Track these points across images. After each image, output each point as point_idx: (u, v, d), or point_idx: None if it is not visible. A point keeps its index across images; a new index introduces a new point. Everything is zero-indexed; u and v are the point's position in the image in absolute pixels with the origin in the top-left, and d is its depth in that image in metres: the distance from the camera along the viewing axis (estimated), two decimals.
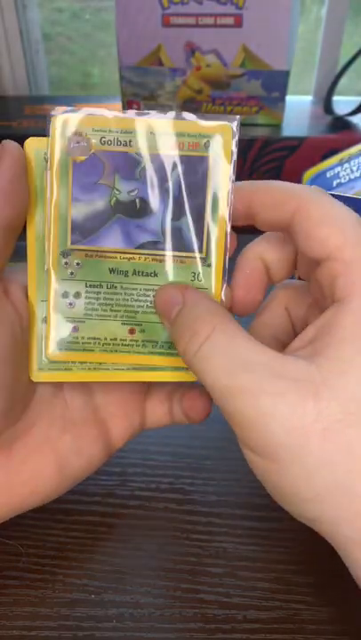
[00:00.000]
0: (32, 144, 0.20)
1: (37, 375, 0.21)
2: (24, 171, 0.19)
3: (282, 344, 0.22)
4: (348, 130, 0.68)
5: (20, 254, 0.21)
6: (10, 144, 0.19)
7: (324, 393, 0.16)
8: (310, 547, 0.24)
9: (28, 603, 0.21)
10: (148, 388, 0.24)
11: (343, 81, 0.72)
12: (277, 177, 0.69)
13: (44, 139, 0.19)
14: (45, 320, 0.20)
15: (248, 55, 0.65)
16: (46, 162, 0.19)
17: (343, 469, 0.16)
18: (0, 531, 0.23)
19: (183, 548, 0.23)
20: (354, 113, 0.70)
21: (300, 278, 0.22)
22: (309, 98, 0.82)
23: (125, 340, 0.21)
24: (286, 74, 0.66)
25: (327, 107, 0.72)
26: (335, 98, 0.75)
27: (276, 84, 0.67)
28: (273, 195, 0.19)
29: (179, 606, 0.21)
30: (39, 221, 0.20)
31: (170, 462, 0.27)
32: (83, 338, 0.21)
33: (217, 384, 0.17)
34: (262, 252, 0.21)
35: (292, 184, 0.19)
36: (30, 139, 0.20)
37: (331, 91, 0.72)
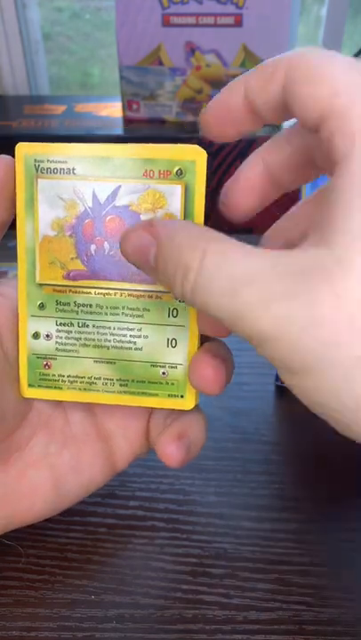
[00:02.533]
0: (22, 149, 0.19)
1: (28, 391, 0.21)
2: (8, 184, 0.19)
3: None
4: None
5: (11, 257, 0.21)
6: (0, 158, 0.19)
7: (338, 273, 0.13)
8: (311, 547, 0.24)
9: (28, 603, 0.21)
10: (151, 407, 0.23)
11: None
12: None
13: (35, 144, 0.19)
14: (36, 335, 0.20)
15: (248, 55, 0.65)
16: (36, 170, 0.19)
17: None
18: None
19: (183, 548, 0.23)
20: None
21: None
22: None
23: (100, 377, 0.20)
24: None
25: None
26: None
27: None
28: (261, 73, 0.16)
29: (179, 607, 0.21)
30: (30, 233, 0.19)
31: None
32: (54, 375, 0.21)
33: (222, 313, 0.15)
34: (264, 153, 0.18)
35: (280, 56, 0.16)
36: (20, 144, 0.19)
37: None
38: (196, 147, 0.18)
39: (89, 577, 0.22)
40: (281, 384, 0.32)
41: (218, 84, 0.68)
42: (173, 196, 0.19)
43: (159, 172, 0.18)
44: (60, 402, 0.22)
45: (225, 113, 0.17)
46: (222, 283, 0.14)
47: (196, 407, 0.21)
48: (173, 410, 0.21)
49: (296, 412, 0.30)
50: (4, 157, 0.19)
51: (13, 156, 0.19)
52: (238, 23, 0.63)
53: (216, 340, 0.20)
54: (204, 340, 0.20)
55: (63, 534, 0.24)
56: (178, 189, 0.18)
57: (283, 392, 0.32)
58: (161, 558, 0.23)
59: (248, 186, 0.19)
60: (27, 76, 0.87)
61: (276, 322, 0.14)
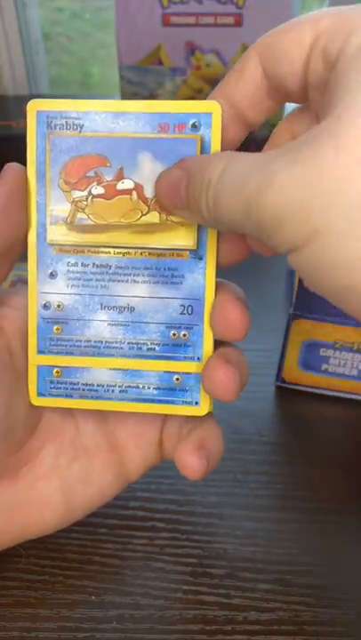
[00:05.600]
0: (34, 106, 0.19)
1: (37, 400, 0.20)
2: (22, 193, 0.19)
3: None
4: None
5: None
6: (12, 166, 0.18)
7: (337, 129, 0.13)
8: (311, 547, 0.24)
9: (28, 604, 0.21)
10: (164, 416, 0.22)
11: None
12: None
13: (48, 100, 0.19)
14: (52, 303, 0.20)
15: None
16: (48, 126, 0.19)
17: None
18: None
19: (183, 549, 0.23)
20: None
21: None
22: None
23: (111, 384, 0.20)
24: None
25: None
26: None
27: None
28: (231, 73, 0.17)
29: (179, 607, 0.21)
30: (41, 191, 0.19)
31: (170, 463, 0.27)
32: (64, 383, 0.20)
33: (235, 212, 0.14)
34: (221, 93, 0.18)
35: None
36: (33, 100, 0.19)
37: None
38: (212, 101, 0.18)
39: (89, 577, 0.22)
40: (281, 384, 0.32)
41: (218, 83, 0.68)
42: (189, 150, 0.18)
43: (174, 125, 0.18)
44: (71, 412, 0.21)
45: None
46: (234, 181, 0.14)
47: (212, 416, 0.21)
48: (188, 417, 0.21)
49: (296, 412, 0.30)
50: (15, 166, 0.19)
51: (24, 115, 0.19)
52: (238, 23, 0.63)
53: (230, 344, 0.20)
54: (218, 345, 0.20)
55: (63, 535, 0.24)
56: (194, 143, 0.18)
57: (283, 392, 0.32)
58: (161, 559, 0.23)
59: None
60: (27, 75, 0.87)
61: (280, 193, 0.13)
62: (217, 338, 0.19)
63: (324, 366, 0.30)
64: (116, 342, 0.20)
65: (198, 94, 0.69)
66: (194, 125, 0.18)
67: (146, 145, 0.18)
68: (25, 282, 0.20)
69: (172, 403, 0.20)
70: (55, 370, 0.20)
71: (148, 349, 0.20)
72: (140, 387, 0.20)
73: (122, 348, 0.20)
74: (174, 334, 0.20)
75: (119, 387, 0.20)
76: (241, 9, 0.62)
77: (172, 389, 0.20)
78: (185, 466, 0.19)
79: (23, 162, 0.19)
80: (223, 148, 0.19)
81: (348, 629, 0.21)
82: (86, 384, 0.20)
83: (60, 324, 0.20)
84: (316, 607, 0.21)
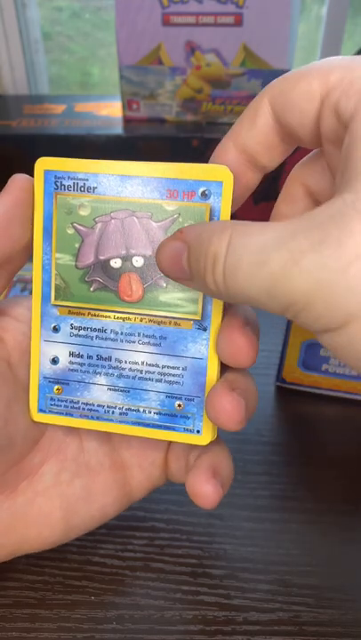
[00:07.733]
0: (42, 165, 0.18)
1: (37, 416, 0.20)
2: (26, 205, 0.18)
3: None
4: None
5: None
6: (18, 177, 0.18)
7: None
8: (311, 548, 0.24)
9: (28, 604, 0.21)
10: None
11: None
12: (277, 177, 0.68)
13: (55, 159, 0.18)
14: (48, 359, 0.20)
15: (248, 54, 0.65)
16: (56, 186, 0.18)
17: None
18: None
19: (183, 549, 0.23)
20: None
21: None
22: None
23: (112, 406, 0.19)
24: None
25: None
26: None
27: None
28: (244, 117, 0.17)
29: (179, 608, 0.21)
30: (47, 251, 0.19)
31: None
32: (65, 401, 0.20)
33: (256, 289, 0.14)
34: (232, 137, 0.18)
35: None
36: (41, 159, 0.18)
37: None
38: (224, 167, 0.17)
39: (89, 578, 0.22)
40: (281, 384, 0.32)
41: (218, 83, 0.68)
42: (197, 220, 0.18)
43: (183, 192, 0.18)
44: (75, 428, 0.21)
45: None
46: (251, 257, 0.14)
47: (220, 439, 0.20)
48: (190, 444, 0.20)
49: (296, 412, 0.30)
50: (21, 177, 0.18)
51: (32, 170, 0.18)
52: (238, 22, 0.63)
53: (239, 370, 0.19)
54: (226, 369, 0.19)
55: None
56: (202, 212, 0.18)
57: (283, 392, 0.32)
58: (161, 559, 0.23)
59: (292, 211, 0.18)
60: (26, 75, 0.87)
61: (310, 276, 0.13)
62: (224, 363, 0.19)
63: (324, 366, 0.30)
64: (115, 408, 0.19)
65: (198, 94, 0.69)
66: (203, 194, 0.17)
67: (155, 209, 0.18)
68: (25, 282, 0.20)
69: (173, 429, 0.19)
70: (56, 387, 0.20)
71: (148, 418, 0.19)
72: (141, 410, 0.19)
73: (119, 413, 0.19)
74: (175, 404, 0.19)
75: (119, 408, 0.19)
76: (241, 9, 0.62)
77: (173, 415, 0.19)
78: (201, 495, 0.18)
79: (22, 161, 0.19)
80: (238, 194, 0.18)
81: (348, 630, 0.21)
82: (87, 403, 0.20)
83: (61, 385, 0.20)
84: (316, 608, 0.21)
